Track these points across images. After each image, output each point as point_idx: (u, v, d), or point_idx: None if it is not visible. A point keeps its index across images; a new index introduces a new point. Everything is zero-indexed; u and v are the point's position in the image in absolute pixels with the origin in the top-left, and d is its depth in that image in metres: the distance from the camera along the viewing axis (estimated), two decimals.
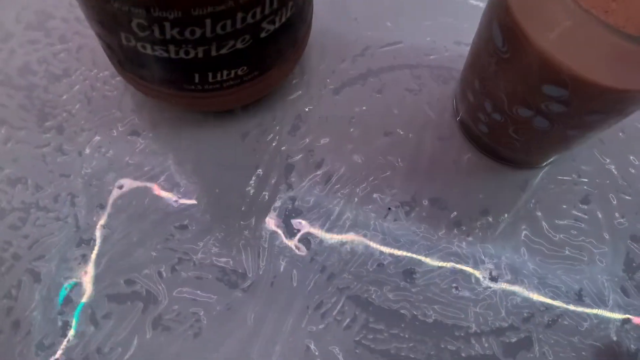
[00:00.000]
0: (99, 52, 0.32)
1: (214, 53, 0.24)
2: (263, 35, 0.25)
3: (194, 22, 0.22)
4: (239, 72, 0.26)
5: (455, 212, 0.30)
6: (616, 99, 0.21)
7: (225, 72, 0.26)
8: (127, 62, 0.27)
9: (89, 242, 0.29)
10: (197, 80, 0.26)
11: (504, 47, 0.23)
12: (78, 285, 0.28)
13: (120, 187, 0.30)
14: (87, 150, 0.31)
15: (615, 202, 0.31)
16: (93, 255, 0.29)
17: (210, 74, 0.26)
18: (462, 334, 0.28)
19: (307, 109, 0.32)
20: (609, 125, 0.25)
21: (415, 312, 0.28)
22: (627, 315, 0.28)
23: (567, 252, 0.29)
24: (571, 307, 0.28)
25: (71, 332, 0.27)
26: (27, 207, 0.29)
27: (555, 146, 0.27)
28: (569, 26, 0.20)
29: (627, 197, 0.31)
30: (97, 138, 0.31)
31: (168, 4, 0.21)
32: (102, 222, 0.29)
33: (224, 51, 0.24)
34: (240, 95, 0.28)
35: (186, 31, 0.23)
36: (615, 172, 0.31)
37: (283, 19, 0.25)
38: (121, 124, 0.32)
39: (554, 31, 0.21)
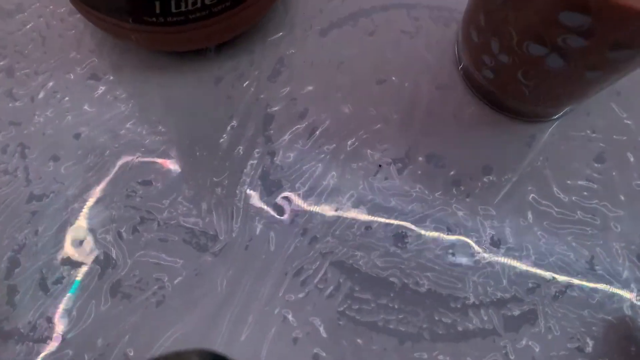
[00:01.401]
0: None
1: None
2: None
3: None
4: (207, 2, 0.23)
5: (453, 170, 0.27)
6: None
7: (190, 1, 0.22)
8: None
9: (41, 198, 0.26)
10: (158, 10, 0.23)
11: None
12: (27, 247, 0.25)
13: (77, 137, 0.27)
14: (41, 96, 0.27)
15: (632, 161, 0.27)
16: (45, 213, 0.25)
17: (172, 3, 0.22)
18: (459, 306, 0.25)
19: (289, 52, 0.29)
20: (635, 66, 0.21)
21: (406, 281, 0.25)
22: None
23: (578, 216, 0.26)
24: (581, 278, 0.25)
25: (18, 298, 0.24)
26: None
27: (569, 93, 0.24)
28: None
29: None
30: (52, 82, 0.28)
31: None
32: (55, 175, 0.26)
33: None
34: (210, 31, 0.25)
35: None
36: (634, 128, 0.28)
37: None
38: (79, 67, 0.28)
39: None
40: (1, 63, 0.28)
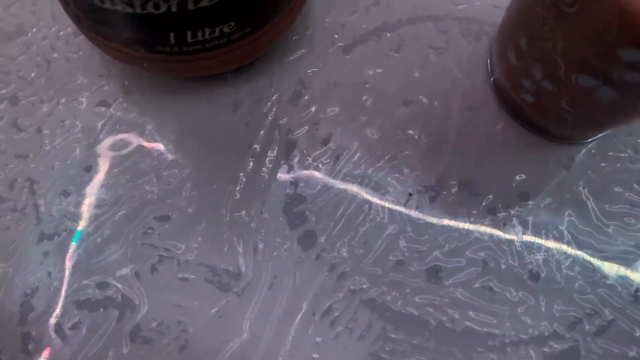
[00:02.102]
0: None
1: (191, 6, 0.19)
2: None
3: None
4: (225, 30, 0.21)
5: (489, 197, 0.25)
6: None
7: (207, 30, 0.21)
8: (85, 18, 0.21)
9: (52, 237, 0.24)
10: (172, 40, 0.21)
11: None
12: (40, 290, 0.24)
13: (88, 169, 0.25)
14: (48, 126, 0.26)
15: None
16: (57, 254, 0.24)
17: (189, 33, 0.21)
18: (497, 344, 0.23)
19: (310, 72, 0.27)
20: None
21: (441, 318, 0.24)
22: None
23: (620, 245, 0.25)
24: (625, 312, 0.24)
25: (32, 347, 0.23)
26: None
27: (617, 121, 0.22)
28: None
29: None
30: (60, 109, 0.26)
31: None
32: (66, 212, 0.25)
33: (204, 3, 0.19)
34: (228, 58, 0.23)
35: None
36: None
37: None
38: (88, 93, 0.26)
39: None
40: (4, 91, 0.26)
